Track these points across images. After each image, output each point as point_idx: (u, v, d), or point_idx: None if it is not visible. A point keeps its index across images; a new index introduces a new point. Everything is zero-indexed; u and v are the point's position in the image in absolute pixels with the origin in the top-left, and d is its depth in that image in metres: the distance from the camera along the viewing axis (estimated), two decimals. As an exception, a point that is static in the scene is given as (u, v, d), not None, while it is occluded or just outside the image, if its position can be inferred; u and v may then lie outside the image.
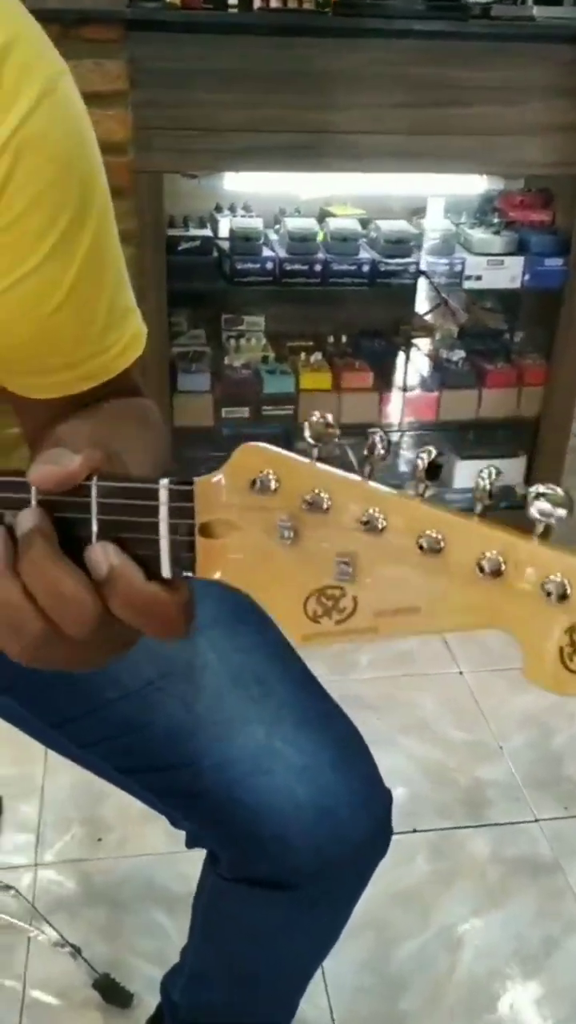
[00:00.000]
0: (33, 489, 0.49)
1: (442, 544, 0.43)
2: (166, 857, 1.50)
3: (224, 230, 2.10)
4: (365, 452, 0.46)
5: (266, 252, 2.06)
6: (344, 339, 2.34)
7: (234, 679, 0.84)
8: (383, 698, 1.85)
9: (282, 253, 2.07)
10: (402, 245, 2.12)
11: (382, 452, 0.45)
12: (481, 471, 0.45)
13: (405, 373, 2.36)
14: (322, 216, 2.19)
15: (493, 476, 0.44)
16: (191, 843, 0.90)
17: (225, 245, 2.08)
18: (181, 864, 1.50)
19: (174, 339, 2.20)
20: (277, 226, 2.15)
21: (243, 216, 2.11)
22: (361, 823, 0.83)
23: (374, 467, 0.45)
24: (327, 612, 0.46)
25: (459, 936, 1.44)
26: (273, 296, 2.19)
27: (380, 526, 0.44)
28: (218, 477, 0.47)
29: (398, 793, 1.72)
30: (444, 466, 0.45)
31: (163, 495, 0.48)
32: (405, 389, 2.35)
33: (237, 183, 2.10)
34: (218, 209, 2.16)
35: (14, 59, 0.61)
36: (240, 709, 0.83)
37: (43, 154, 0.63)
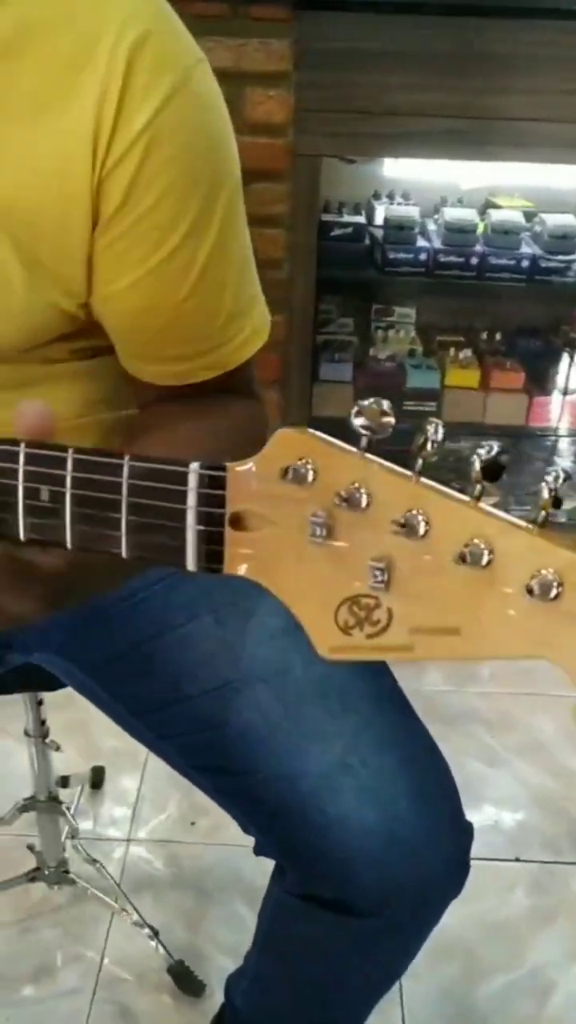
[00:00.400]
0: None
1: (490, 557, 0.37)
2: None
3: (380, 218, 2.04)
4: (417, 444, 0.40)
5: (421, 242, 2.00)
6: (498, 337, 2.24)
7: (316, 689, 0.80)
8: (500, 715, 1.76)
9: (437, 244, 1.99)
10: (568, 241, 2.00)
11: (434, 444, 0.40)
12: (548, 473, 0.38)
13: (568, 376, 2.24)
14: (485, 207, 2.10)
15: (560, 481, 0.38)
16: (258, 851, 0.86)
17: (379, 233, 2.02)
18: (269, 860, 1.47)
19: (322, 327, 2.16)
20: (436, 216, 2.07)
21: (400, 204, 2.04)
22: (434, 858, 0.77)
23: (425, 462, 0.40)
24: (359, 623, 0.40)
25: (551, 979, 1.34)
26: (425, 288, 2.11)
27: (421, 530, 0.38)
28: (250, 464, 0.42)
29: (504, 817, 1.64)
30: (507, 467, 0.39)
31: (192, 480, 0.44)
32: (566, 392, 2.22)
33: (397, 169, 2.04)
34: (376, 196, 2.10)
35: (147, 53, 0.62)
36: (318, 721, 0.79)
37: (174, 147, 0.64)
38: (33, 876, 1.37)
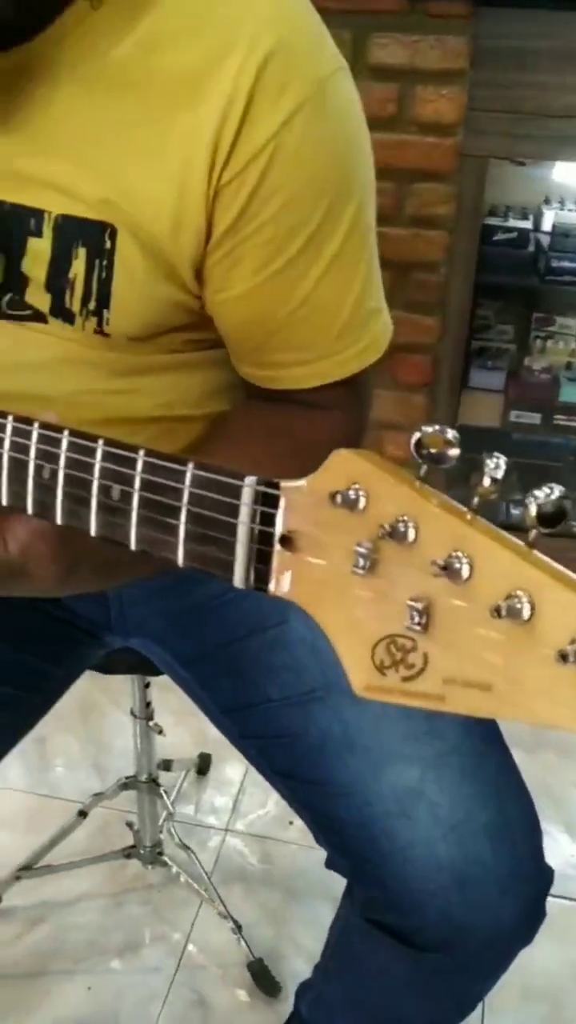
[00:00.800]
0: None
1: (531, 613, 0.34)
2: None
3: (548, 224, 1.96)
4: (475, 479, 0.38)
5: (587, 251, 1.91)
6: None
7: (402, 709, 0.77)
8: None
9: (606, 254, 1.90)
10: None
11: (494, 481, 0.37)
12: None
13: None
14: None
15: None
16: (329, 864, 0.85)
17: (545, 240, 1.95)
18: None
19: (478, 332, 2.11)
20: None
21: (570, 210, 1.96)
22: (506, 903, 0.74)
23: (483, 499, 0.37)
24: (394, 664, 0.38)
25: None
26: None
27: (464, 575, 0.36)
28: (303, 483, 0.41)
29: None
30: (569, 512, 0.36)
31: (247, 495, 0.42)
32: None
33: (568, 174, 1.95)
34: (546, 201, 2.03)
35: (277, 65, 0.61)
36: (398, 742, 0.76)
37: (298, 159, 0.64)
38: (129, 853, 1.40)
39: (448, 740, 0.77)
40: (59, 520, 0.52)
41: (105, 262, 0.67)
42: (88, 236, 0.66)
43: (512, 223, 1.95)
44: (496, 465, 0.37)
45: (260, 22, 0.61)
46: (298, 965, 1.31)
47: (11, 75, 0.63)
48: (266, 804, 1.58)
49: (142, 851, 1.39)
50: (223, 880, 1.42)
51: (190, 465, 0.45)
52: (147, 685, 1.27)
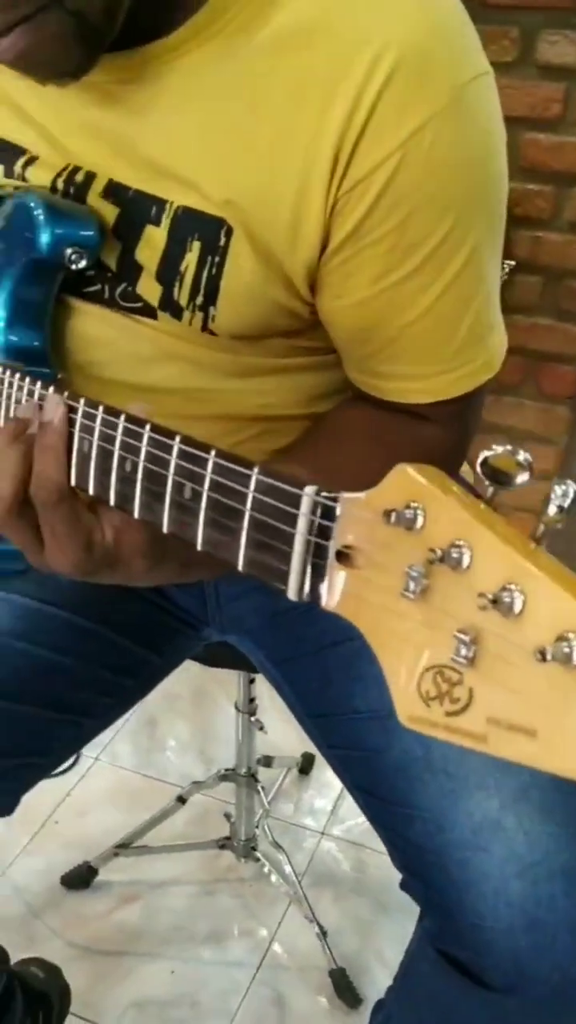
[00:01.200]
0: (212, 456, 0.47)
1: (580, 658, 0.31)
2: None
3: None
4: (542, 508, 0.35)
5: None
6: None
7: None
8: None
9: None
10: None
11: (561, 510, 0.34)
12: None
13: None
14: None
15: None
16: (403, 886, 0.82)
17: None
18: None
19: None
20: None
21: None
22: None
23: (548, 527, 0.34)
24: (439, 697, 0.36)
25: None
26: None
27: (516, 610, 0.33)
28: (362, 496, 0.39)
29: None
30: None
31: (305, 505, 0.41)
32: None
33: None
34: None
35: (411, 69, 0.59)
36: (480, 771, 0.73)
37: (427, 171, 0.61)
38: (224, 844, 1.41)
39: (530, 773, 0.73)
40: (136, 513, 0.52)
41: (217, 258, 0.66)
42: (204, 231, 0.66)
43: None
44: (564, 493, 0.34)
45: (395, 23, 0.59)
46: (380, 978, 1.28)
47: (148, 65, 0.63)
48: (366, 812, 1.55)
49: (236, 844, 1.40)
50: (314, 883, 1.41)
51: (255, 469, 0.44)
52: (252, 681, 1.27)
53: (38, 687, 0.80)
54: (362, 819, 1.51)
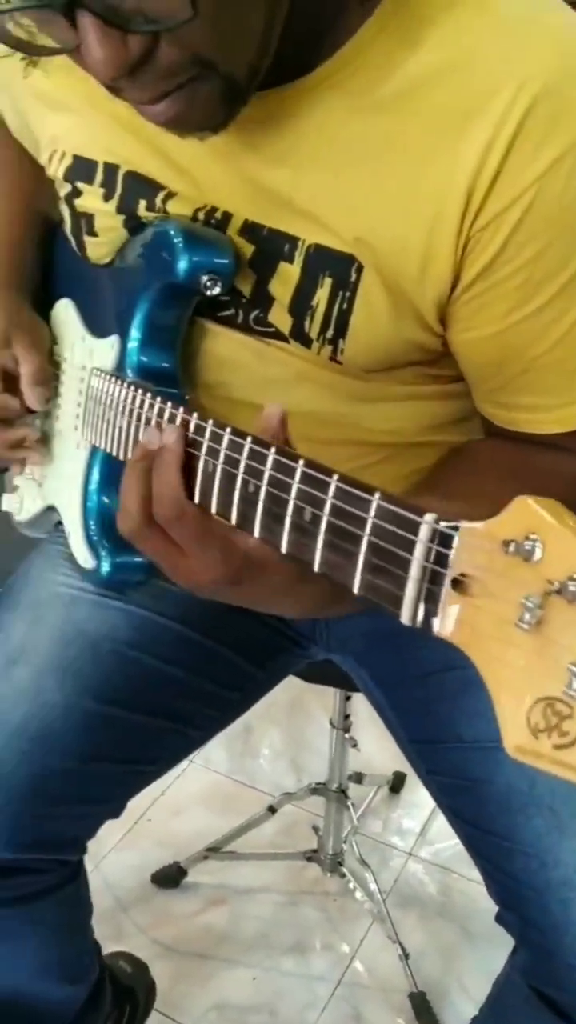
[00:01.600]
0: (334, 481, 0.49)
1: None
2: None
3: None
4: None
5: None
6: None
7: None
8: None
9: None
10: None
11: None
12: None
13: None
14: None
15: None
16: (498, 919, 0.82)
17: None
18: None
19: None
20: None
21: None
22: None
23: None
24: (548, 730, 0.37)
25: None
26: None
27: (631, 650, 0.33)
28: (480, 526, 0.40)
29: None
30: None
31: (424, 532, 0.42)
32: None
33: None
34: None
35: (545, 109, 0.59)
36: None
37: (560, 208, 0.62)
38: (311, 856, 1.43)
39: None
40: (256, 533, 0.54)
41: (348, 294, 0.68)
42: (336, 268, 0.68)
43: None
44: None
45: (532, 62, 0.59)
46: (462, 1007, 1.27)
47: (284, 105, 0.65)
48: (455, 835, 1.54)
49: (323, 857, 1.41)
50: (398, 904, 1.41)
51: (376, 495, 0.45)
52: (348, 698, 1.28)
53: (150, 697, 0.83)
54: (451, 842, 1.52)
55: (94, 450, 0.83)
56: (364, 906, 1.40)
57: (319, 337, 0.71)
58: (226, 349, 0.76)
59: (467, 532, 0.40)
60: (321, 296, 0.69)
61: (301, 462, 0.50)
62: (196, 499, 0.58)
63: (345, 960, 1.36)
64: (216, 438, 0.57)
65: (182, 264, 0.71)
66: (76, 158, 0.78)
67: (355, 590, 0.46)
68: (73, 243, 0.83)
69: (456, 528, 0.41)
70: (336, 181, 0.66)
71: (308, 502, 0.49)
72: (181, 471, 0.58)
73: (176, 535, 0.57)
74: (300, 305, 0.70)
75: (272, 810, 1.46)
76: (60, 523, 0.91)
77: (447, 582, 0.41)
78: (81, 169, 0.78)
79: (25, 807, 0.77)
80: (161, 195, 0.74)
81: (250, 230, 0.71)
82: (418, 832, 1.55)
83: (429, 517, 0.42)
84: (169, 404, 0.63)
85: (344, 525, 0.47)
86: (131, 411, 0.71)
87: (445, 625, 0.41)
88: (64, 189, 0.80)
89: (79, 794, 0.80)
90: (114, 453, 0.76)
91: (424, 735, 0.85)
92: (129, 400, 0.71)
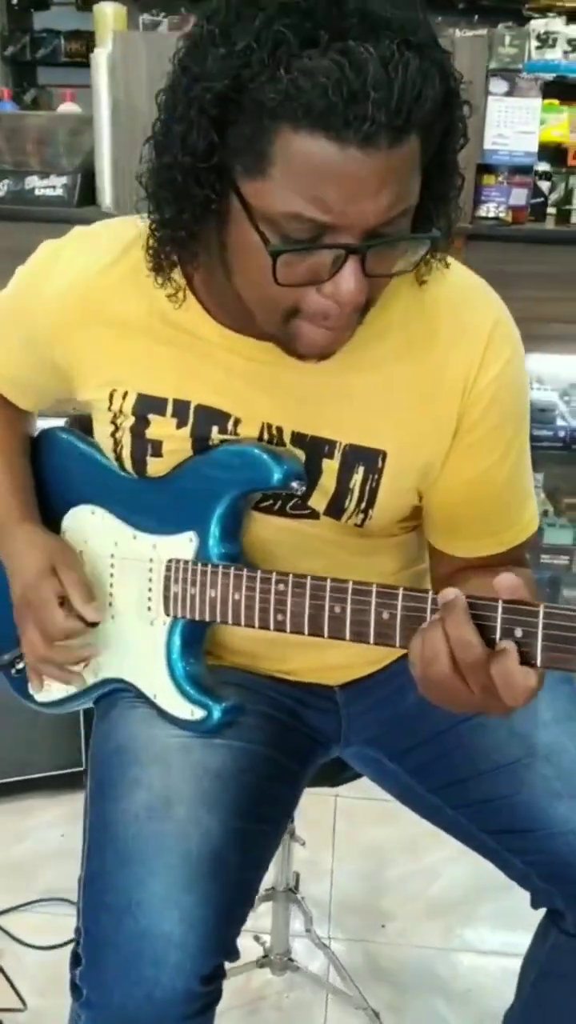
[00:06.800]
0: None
1: None
2: (444, 952, 1.67)
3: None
4: None
5: (559, 422, 2.33)
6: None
7: None
8: None
9: (574, 423, 2.33)
10: None
11: None
12: None
13: None
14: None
15: None
16: (536, 903, 1.07)
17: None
18: (459, 959, 1.66)
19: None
20: (567, 398, 2.42)
21: (538, 389, 2.39)
22: None
23: None
24: None
25: None
26: (558, 459, 2.44)
27: None
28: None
29: None
30: None
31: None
32: None
33: (540, 363, 2.40)
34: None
35: (500, 330, 0.95)
36: None
37: (509, 393, 0.97)
38: (262, 963, 1.57)
39: None
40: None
41: (375, 476, 0.98)
42: (366, 459, 0.97)
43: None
44: None
45: (485, 313, 0.96)
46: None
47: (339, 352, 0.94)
48: (355, 912, 1.77)
49: (274, 958, 1.56)
50: (340, 982, 1.60)
51: (541, 607, 0.75)
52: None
53: (259, 807, 1.01)
54: (356, 918, 1.73)
55: (174, 623, 1.02)
56: (314, 991, 1.56)
57: (355, 510, 0.99)
58: (266, 531, 1.02)
59: None
60: (356, 480, 0.98)
61: (500, 603, 0.78)
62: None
63: (315, 1045, 1.52)
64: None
65: (277, 476, 0.95)
66: (142, 395, 0.99)
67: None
68: (129, 463, 1.03)
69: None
70: (363, 398, 0.96)
71: (520, 624, 0.77)
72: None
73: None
74: (341, 488, 0.98)
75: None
76: (116, 691, 1.08)
77: None
78: (150, 404, 0.99)
79: (218, 919, 0.91)
80: (231, 421, 0.98)
81: (298, 439, 0.98)
82: (328, 919, 1.75)
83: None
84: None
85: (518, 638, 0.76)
86: (246, 587, 0.94)
87: None
88: (128, 421, 1.00)
89: (244, 898, 0.97)
90: (208, 619, 0.98)
91: (445, 781, 1.09)
92: (231, 578, 0.95)
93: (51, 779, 1.99)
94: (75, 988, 0.94)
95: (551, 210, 2.14)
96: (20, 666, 1.17)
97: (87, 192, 2.09)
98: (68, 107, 2.43)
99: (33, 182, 2.08)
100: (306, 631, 0.89)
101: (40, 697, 1.17)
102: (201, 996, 0.90)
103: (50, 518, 1.14)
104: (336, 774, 1.28)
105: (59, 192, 2.07)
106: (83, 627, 1.03)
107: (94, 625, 1.04)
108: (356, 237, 0.76)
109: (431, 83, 0.72)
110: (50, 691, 1.16)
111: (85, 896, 0.94)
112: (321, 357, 0.87)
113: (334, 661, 1.12)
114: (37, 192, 2.07)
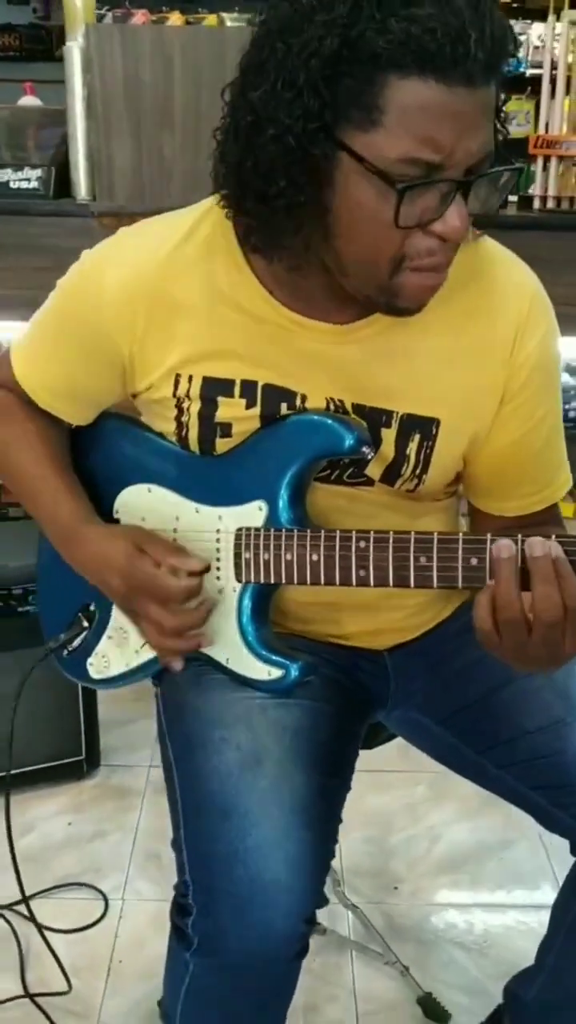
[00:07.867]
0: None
1: None
2: (457, 908, 1.75)
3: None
4: None
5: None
6: None
7: None
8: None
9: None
10: None
11: None
12: None
13: None
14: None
15: None
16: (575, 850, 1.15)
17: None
18: (475, 915, 1.74)
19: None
20: None
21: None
22: None
23: None
24: None
25: None
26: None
27: None
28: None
29: None
30: None
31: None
32: None
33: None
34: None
35: (539, 299, 1.03)
36: None
37: (549, 358, 1.04)
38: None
39: None
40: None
41: (430, 443, 1.04)
42: (422, 427, 1.03)
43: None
44: None
45: (524, 285, 1.04)
46: (454, 996, 1.56)
47: (394, 326, 0.99)
48: (366, 876, 1.83)
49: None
50: (364, 942, 1.66)
51: None
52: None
53: (334, 759, 1.06)
54: (371, 880, 1.79)
55: (244, 588, 1.06)
56: (339, 951, 1.62)
57: (410, 476, 1.05)
58: (323, 499, 1.07)
59: None
60: (412, 448, 1.04)
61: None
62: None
63: (351, 1004, 1.57)
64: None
65: (349, 441, 1.00)
66: (208, 379, 1.03)
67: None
68: (195, 445, 1.07)
69: None
70: (421, 369, 1.02)
71: None
72: None
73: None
74: (398, 455, 1.04)
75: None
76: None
77: None
78: (218, 387, 1.03)
79: (314, 866, 0.96)
80: (298, 398, 1.03)
81: (358, 410, 1.03)
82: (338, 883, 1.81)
83: None
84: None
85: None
86: (324, 548, 0.99)
87: None
88: (195, 405, 1.04)
89: (330, 848, 1.02)
90: (283, 581, 1.02)
91: (492, 742, 1.16)
92: (308, 540, 1.00)
93: (51, 770, 1.99)
94: (182, 938, 0.97)
95: (512, 198, 2.23)
96: (75, 646, 1.19)
97: (61, 184, 2.09)
98: (29, 100, 2.42)
99: (7, 175, 2.07)
100: (391, 583, 0.95)
101: (97, 675, 1.20)
102: (302, 938, 0.95)
103: (98, 508, 1.15)
104: (371, 738, 1.34)
105: (34, 184, 2.07)
106: (198, 582, 1.03)
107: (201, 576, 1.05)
108: (460, 175, 0.82)
109: (508, 24, 0.80)
110: (108, 668, 1.18)
111: (189, 849, 0.98)
112: (420, 307, 0.93)
113: (386, 624, 1.18)
114: (12, 185, 2.07)
